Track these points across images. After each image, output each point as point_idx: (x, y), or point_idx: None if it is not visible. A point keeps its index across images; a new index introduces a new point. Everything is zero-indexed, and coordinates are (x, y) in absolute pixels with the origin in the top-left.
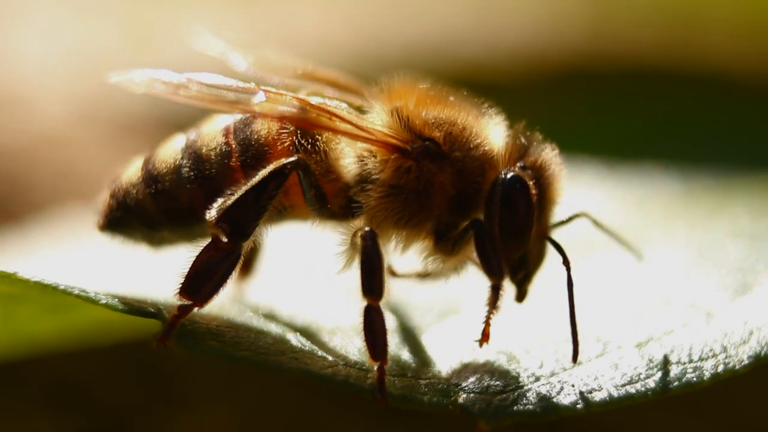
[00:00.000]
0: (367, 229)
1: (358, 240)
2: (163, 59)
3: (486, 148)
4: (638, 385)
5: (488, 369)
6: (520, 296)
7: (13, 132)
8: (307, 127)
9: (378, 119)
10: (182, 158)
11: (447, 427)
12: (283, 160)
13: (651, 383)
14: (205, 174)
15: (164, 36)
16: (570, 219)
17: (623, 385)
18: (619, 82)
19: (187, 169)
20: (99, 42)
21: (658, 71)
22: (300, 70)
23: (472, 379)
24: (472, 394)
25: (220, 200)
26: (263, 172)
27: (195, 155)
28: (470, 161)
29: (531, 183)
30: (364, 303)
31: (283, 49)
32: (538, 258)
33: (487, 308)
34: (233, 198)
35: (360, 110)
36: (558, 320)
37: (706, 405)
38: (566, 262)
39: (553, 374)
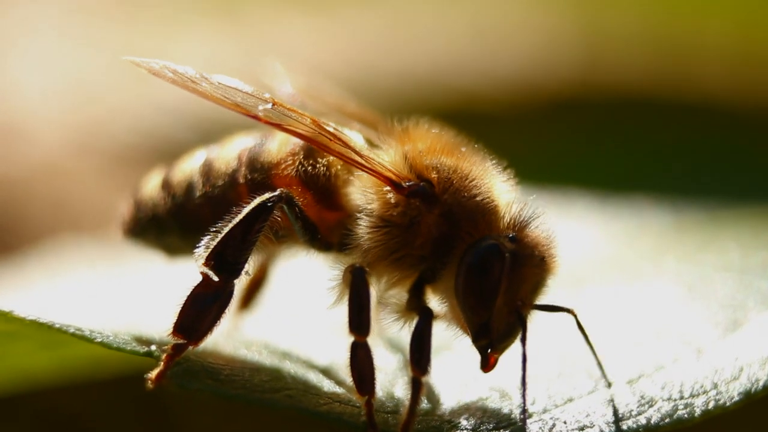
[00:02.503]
0: (357, 265)
1: (348, 275)
2: (162, 88)
3: (483, 203)
4: (629, 422)
5: (481, 406)
6: (484, 364)
7: (8, 162)
8: (308, 142)
9: (386, 155)
10: (197, 171)
11: None
12: (266, 195)
13: (642, 420)
14: (212, 186)
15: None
16: (555, 310)
17: (615, 422)
18: (612, 113)
19: (198, 181)
20: (95, 72)
21: (650, 102)
22: (332, 101)
23: (464, 416)
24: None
25: (206, 238)
26: (247, 208)
27: (208, 169)
28: (460, 210)
29: (507, 256)
30: (351, 339)
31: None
32: (508, 331)
33: (409, 402)
34: (220, 235)
35: (373, 145)
36: (549, 357)
37: None
38: (524, 340)
39: (545, 411)
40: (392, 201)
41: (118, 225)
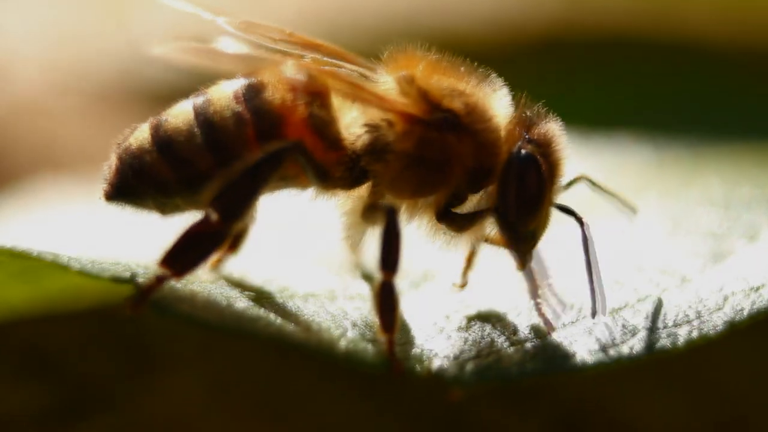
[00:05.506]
0: (388, 204)
1: (380, 215)
2: (143, 27)
3: (497, 120)
4: (612, 351)
5: (462, 335)
6: (524, 264)
7: None
8: (341, 96)
9: (391, 89)
10: (196, 127)
11: (424, 391)
12: (281, 144)
13: (625, 349)
14: (216, 143)
15: (143, 4)
16: (571, 183)
17: (597, 351)
18: (596, 52)
19: (203, 139)
20: (76, 12)
21: (634, 40)
22: (285, 35)
23: (445, 345)
24: (445, 360)
25: (217, 183)
26: (260, 156)
27: (209, 125)
28: (487, 133)
29: (541, 158)
30: (379, 277)
31: (263, 17)
32: (544, 226)
33: (533, 301)
34: (228, 179)
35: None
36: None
37: (680, 373)
38: (579, 220)
39: (526, 340)
40: (426, 138)
41: (104, 189)
